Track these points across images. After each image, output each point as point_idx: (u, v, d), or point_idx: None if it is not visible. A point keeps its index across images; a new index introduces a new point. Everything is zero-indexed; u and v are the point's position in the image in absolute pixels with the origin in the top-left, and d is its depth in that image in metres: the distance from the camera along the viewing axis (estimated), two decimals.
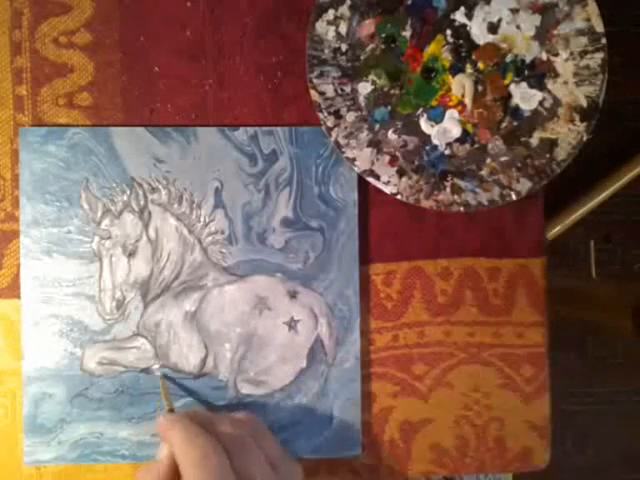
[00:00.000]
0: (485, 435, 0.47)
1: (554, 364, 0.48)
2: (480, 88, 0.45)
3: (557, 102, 0.45)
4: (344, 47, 0.45)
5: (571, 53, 0.44)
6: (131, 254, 0.44)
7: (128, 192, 0.45)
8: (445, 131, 0.45)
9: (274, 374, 0.45)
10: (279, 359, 0.45)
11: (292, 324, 0.45)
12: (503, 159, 0.45)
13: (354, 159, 0.45)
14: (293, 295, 0.45)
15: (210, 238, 0.45)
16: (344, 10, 0.44)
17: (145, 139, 0.45)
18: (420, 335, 0.47)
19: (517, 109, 0.45)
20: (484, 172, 0.45)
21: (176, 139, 0.45)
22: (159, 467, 0.37)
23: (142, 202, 0.45)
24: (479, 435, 0.47)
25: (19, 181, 0.44)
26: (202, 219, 0.45)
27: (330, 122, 0.44)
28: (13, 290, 0.45)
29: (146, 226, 0.45)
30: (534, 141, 0.45)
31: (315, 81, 0.44)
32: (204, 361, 0.45)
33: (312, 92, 0.44)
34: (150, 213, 0.45)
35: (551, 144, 0.45)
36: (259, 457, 0.37)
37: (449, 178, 0.45)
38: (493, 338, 0.47)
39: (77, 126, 0.45)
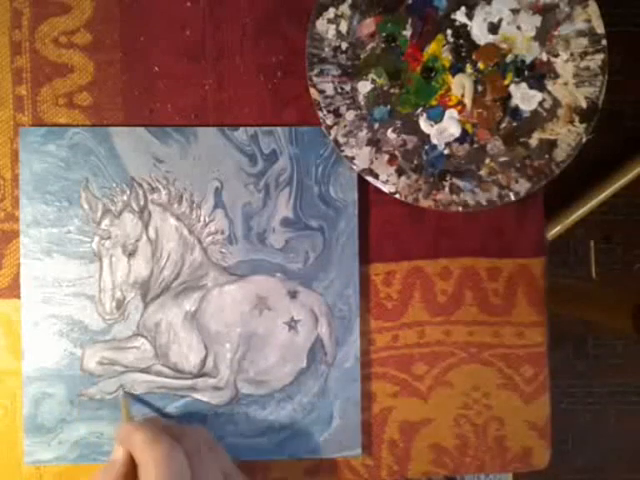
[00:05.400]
0: (485, 435, 0.47)
1: (554, 364, 0.48)
2: (480, 88, 0.45)
3: (557, 103, 0.45)
4: (344, 45, 0.45)
5: (571, 54, 0.44)
6: (131, 254, 0.44)
7: (128, 192, 0.45)
8: (444, 131, 0.45)
9: (274, 374, 0.45)
10: (279, 359, 0.45)
11: (292, 324, 0.45)
12: (502, 159, 0.45)
13: (353, 158, 0.45)
14: (293, 295, 0.45)
15: (210, 238, 0.45)
16: (345, 9, 0.44)
17: (145, 139, 0.45)
18: (420, 335, 0.47)
19: (517, 109, 0.45)
20: (483, 172, 0.45)
21: (176, 139, 0.45)
22: (116, 467, 0.38)
23: (142, 202, 0.45)
24: (479, 435, 0.47)
25: (19, 181, 0.44)
26: (202, 219, 0.45)
27: (329, 120, 0.44)
28: (13, 290, 0.45)
29: (146, 226, 0.45)
30: (533, 142, 0.45)
31: (315, 79, 0.44)
32: (204, 361, 0.45)
33: (312, 90, 0.44)
34: (150, 213, 0.45)
35: (550, 145, 0.45)
36: (214, 466, 0.38)
37: (448, 178, 0.45)
38: (493, 338, 0.47)
39: (77, 126, 0.45)
